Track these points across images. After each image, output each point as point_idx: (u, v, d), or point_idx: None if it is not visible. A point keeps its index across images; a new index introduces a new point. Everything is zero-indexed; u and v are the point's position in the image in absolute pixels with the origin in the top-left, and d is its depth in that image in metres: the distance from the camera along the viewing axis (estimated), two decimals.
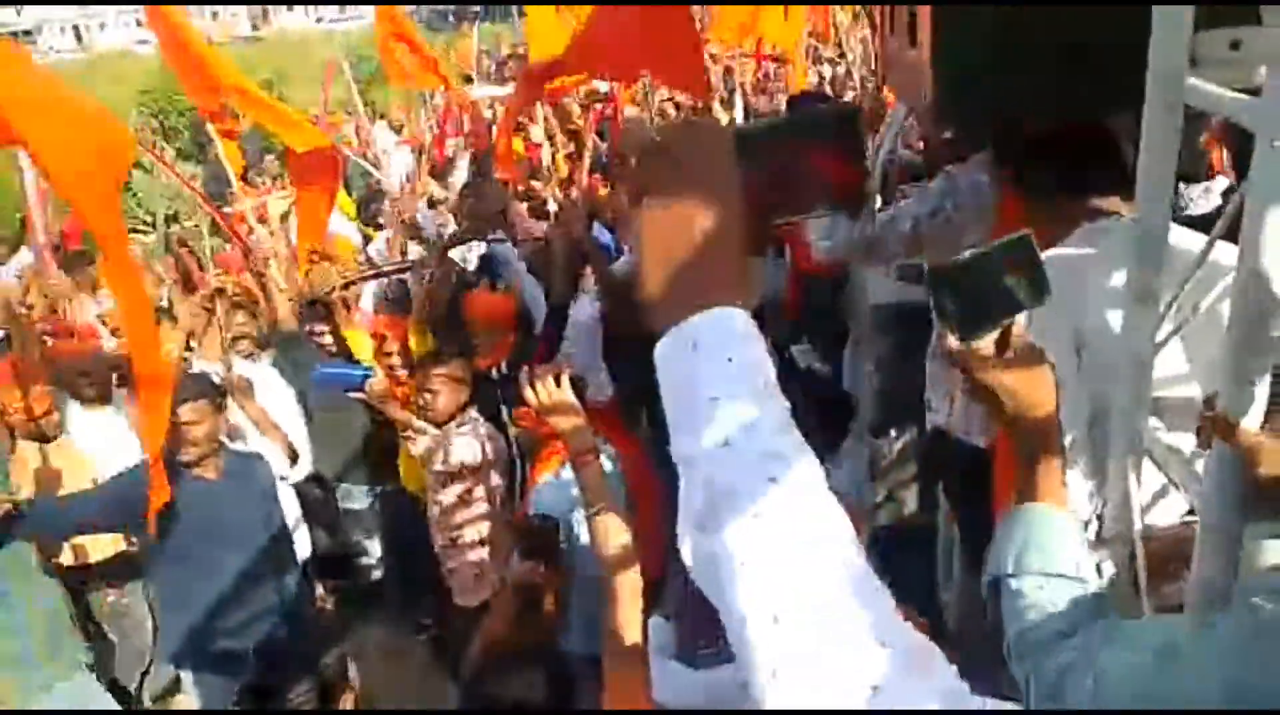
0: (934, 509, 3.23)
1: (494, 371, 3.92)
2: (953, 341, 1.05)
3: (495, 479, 3.46)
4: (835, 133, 0.75)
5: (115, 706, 3.42)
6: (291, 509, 3.75)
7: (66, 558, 3.54)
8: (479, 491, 3.41)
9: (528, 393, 2.00)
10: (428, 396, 3.39)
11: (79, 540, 3.51)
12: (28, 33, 44.70)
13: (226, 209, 6.08)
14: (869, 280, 3.75)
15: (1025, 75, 1.82)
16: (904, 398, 3.09)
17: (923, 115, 2.72)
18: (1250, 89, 1.17)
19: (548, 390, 1.98)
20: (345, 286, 4.86)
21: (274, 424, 3.70)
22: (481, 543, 3.41)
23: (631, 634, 1.74)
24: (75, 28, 44.92)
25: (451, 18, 35.65)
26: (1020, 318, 1.04)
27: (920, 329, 2.80)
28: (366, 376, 3.40)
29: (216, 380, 3.41)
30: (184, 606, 3.11)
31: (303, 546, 3.85)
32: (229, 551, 3.10)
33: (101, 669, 3.53)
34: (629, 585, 1.80)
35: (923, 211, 2.53)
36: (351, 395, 3.56)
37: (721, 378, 0.64)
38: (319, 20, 45.04)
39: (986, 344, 1.04)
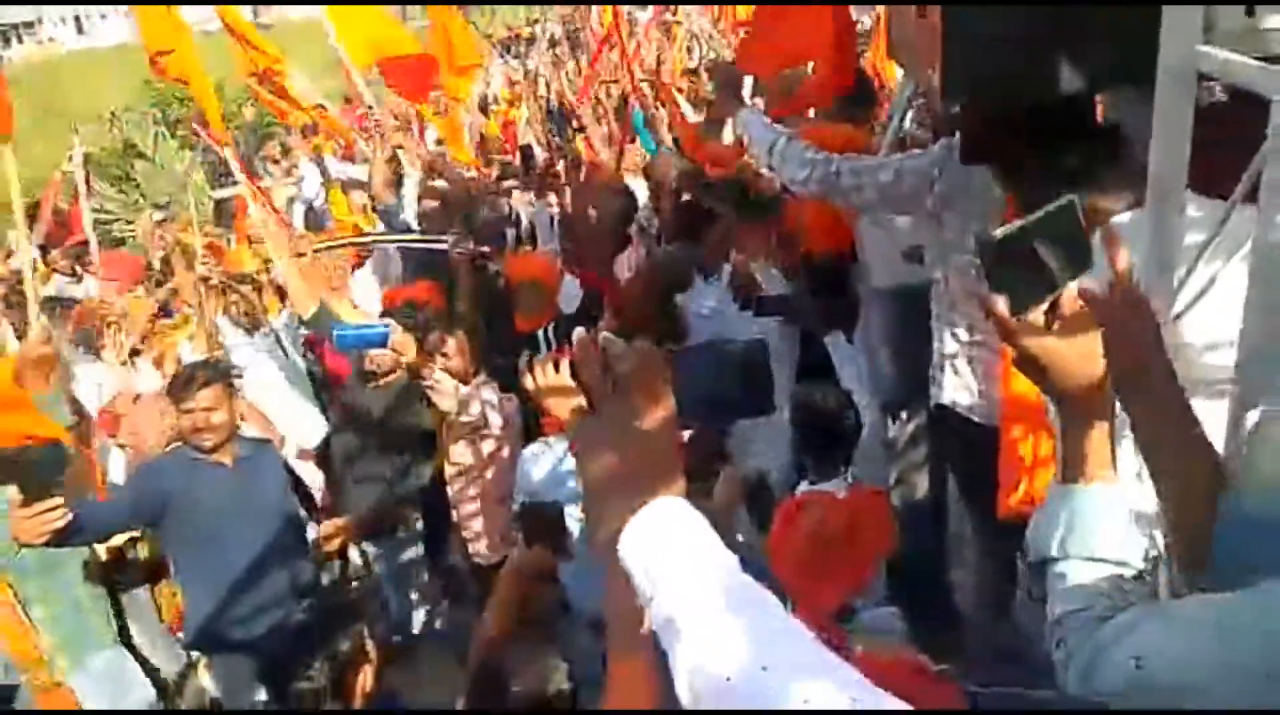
0: (944, 488, 3.23)
1: (542, 335, 4.02)
2: (1004, 313, 1.02)
3: (508, 446, 3.55)
4: (743, 366, 0.94)
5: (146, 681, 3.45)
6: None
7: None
8: (502, 451, 3.52)
9: (526, 378, 1.97)
10: (439, 361, 3.47)
11: None
12: (28, 24, 44.63)
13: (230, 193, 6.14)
14: (874, 262, 3.73)
15: (1034, 49, 1.80)
16: (913, 378, 3.08)
17: (930, 90, 2.70)
18: (1267, 57, 1.16)
19: (547, 375, 1.94)
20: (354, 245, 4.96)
21: (257, 410, 3.81)
22: (500, 501, 3.50)
23: (635, 622, 1.70)
24: (76, 18, 44.81)
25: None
26: (1070, 287, 1.01)
27: (926, 309, 2.79)
28: (386, 334, 3.41)
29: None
30: (202, 592, 3.13)
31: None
32: (245, 538, 3.11)
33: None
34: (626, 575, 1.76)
35: (908, 169, 2.51)
36: (374, 352, 3.61)
37: (674, 554, 0.80)
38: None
39: (1036, 315, 1.02)
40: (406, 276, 5.10)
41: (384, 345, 3.43)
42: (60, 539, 2.69)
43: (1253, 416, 1.11)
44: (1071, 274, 0.99)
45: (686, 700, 0.76)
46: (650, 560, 0.81)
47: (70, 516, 2.65)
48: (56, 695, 3.15)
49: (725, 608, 0.76)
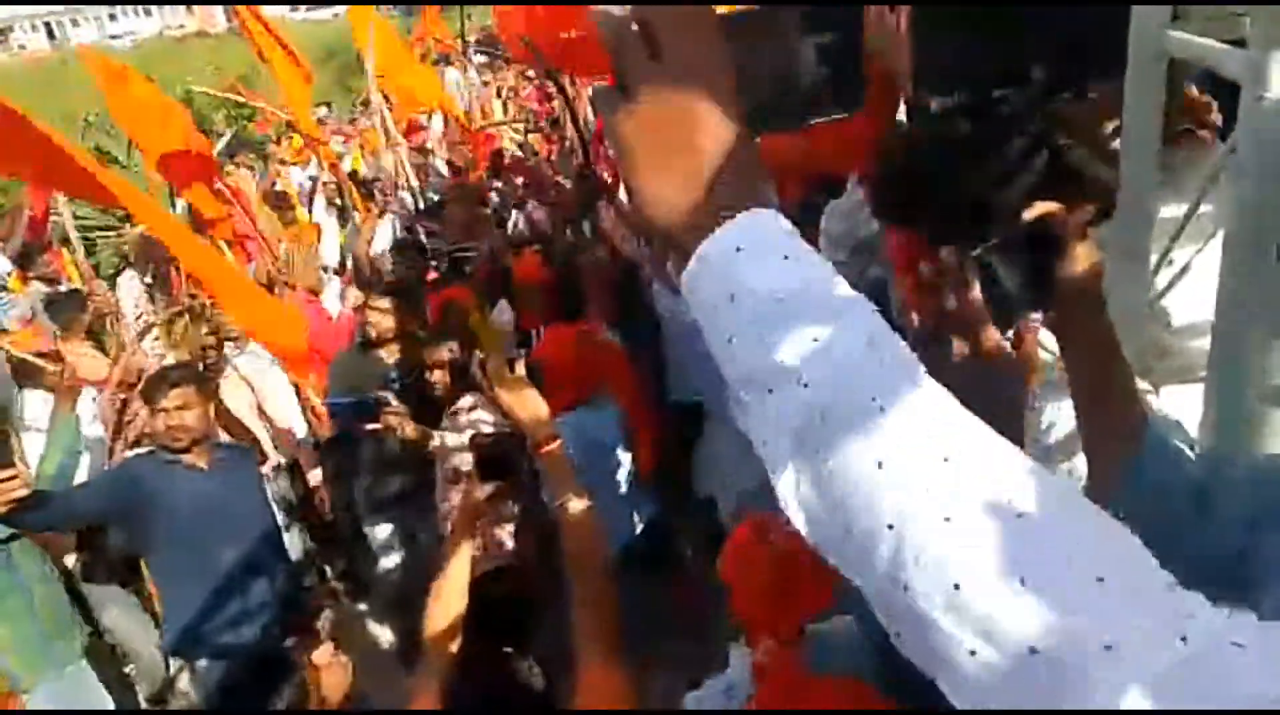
0: None
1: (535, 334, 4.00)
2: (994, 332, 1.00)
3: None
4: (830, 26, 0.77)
5: (107, 698, 3.41)
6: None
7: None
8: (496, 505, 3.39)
9: (482, 381, 1.90)
10: (432, 375, 3.40)
11: None
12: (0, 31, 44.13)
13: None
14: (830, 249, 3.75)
15: (1004, 40, 1.79)
16: None
17: (903, 81, 2.67)
18: (1235, 40, 1.15)
19: (503, 377, 1.89)
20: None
21: (243, 426, 3.78)
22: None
23: (603, 624, 1.65)
24: (47, 24, 44.34)
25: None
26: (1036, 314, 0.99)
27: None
28: (377, 404, 3.40)
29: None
30: (178, 595, 3.08)
31: (293, 545, 3.83)
32: (223, 543, 3.07)
33: (105, 658, 3.56)
34: (598, 577, 1.70)
35: (840, 211, 2.49)
36: (367, 427, 3.50)
37: (782, 278, 0.53)
38: (294, 10, 44.69)
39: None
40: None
41: (376, 419, 3.39)
42: (23, 512, 2.65)
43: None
44: (1037, 298, 0.96)
45: (782, 452, 0.53)
46: (728, 304, 0.54)
47: (31, 488, 2.61)
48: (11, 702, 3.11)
49: (863, 367, 0.51)
